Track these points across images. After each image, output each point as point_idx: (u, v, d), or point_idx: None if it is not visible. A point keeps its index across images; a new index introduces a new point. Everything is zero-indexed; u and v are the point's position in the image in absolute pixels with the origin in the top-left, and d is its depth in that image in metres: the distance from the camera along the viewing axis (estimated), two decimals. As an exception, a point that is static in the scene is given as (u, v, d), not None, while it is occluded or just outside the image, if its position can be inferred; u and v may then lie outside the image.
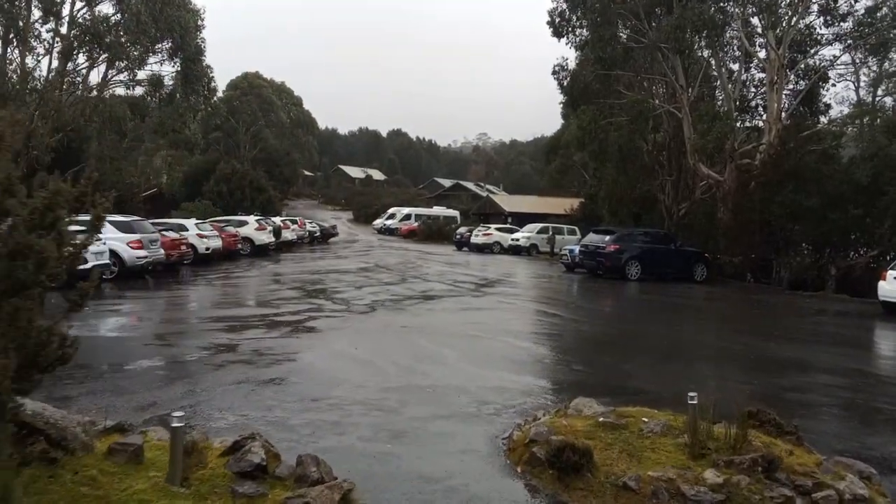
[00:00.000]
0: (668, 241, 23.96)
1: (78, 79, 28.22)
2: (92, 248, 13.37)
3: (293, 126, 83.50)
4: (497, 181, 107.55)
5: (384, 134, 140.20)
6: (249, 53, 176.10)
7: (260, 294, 15.52)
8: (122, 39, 24.61)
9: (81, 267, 12.52)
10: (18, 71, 23.81)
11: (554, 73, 28.16)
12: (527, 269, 27.57)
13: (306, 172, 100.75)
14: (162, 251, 20.13)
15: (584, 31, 25.60)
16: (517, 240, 37.36)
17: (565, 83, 28.27)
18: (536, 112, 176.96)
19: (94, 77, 29.21)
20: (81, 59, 26.04)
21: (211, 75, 31.71)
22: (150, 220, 24.29)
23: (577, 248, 25.44)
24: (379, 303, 13.93)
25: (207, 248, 24.43)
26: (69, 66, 25.47)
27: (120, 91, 28.20)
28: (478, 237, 38.90)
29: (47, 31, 25.18)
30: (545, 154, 67.76)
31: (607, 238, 23.11)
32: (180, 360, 8.21)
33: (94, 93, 28.06)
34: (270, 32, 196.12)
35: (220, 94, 69.39)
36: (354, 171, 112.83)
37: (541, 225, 38.32)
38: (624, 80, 29.67)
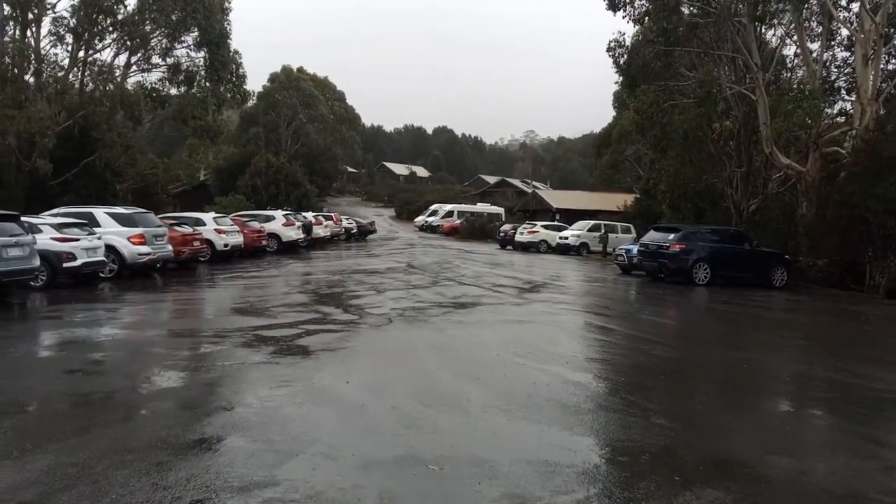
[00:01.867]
0: (741, 241, 20.80)
1: (102, 66, 26.64)
2: (82, 242, 11.37)
3: (336, 122, 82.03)
4: (544, 178, 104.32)
5: (430, 131, 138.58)
6: (296, 54, 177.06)
7: (264, 298, 13.26)
8: (137, 18, 22.81)
9: (69, 265, 10.36)
10: (31, 54, 22.21)
11: (609, 49, 25.13)
12: (577, 270, 24.77)
13: (350, 169, 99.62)
14: (169, 248, 18.14)
15: (644, 0, 22.58)
16: (566, 238, 34.50)
17: (621, 61, 25.23)
18: (585, 110, 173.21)
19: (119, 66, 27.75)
20: (97, 43, 24.49)
21: (239, 61, 29.86)
22: (165, 214, 22.54)
23: (634, 248, 22.54)
24: (398, 312, 11.47)
25: (226, 245, 22.46)
26: (82, 53, 23.99)
27: (138, 78, 26.70)
28: (523, 235, 36.18)
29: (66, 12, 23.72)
30: (595, 148, 64.64)
31: (671, 237, 20.15)
32: (91, 400, 5.89)
33: (117, 79, 26.46)
34: (320, 33, 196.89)
35: (259, 87, 68.88)
36: (399, 168, 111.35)
37: (592, 222, 35.35)
38: (686, 61, 26.52)
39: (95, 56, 25.67)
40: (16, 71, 20.49)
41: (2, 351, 7.89)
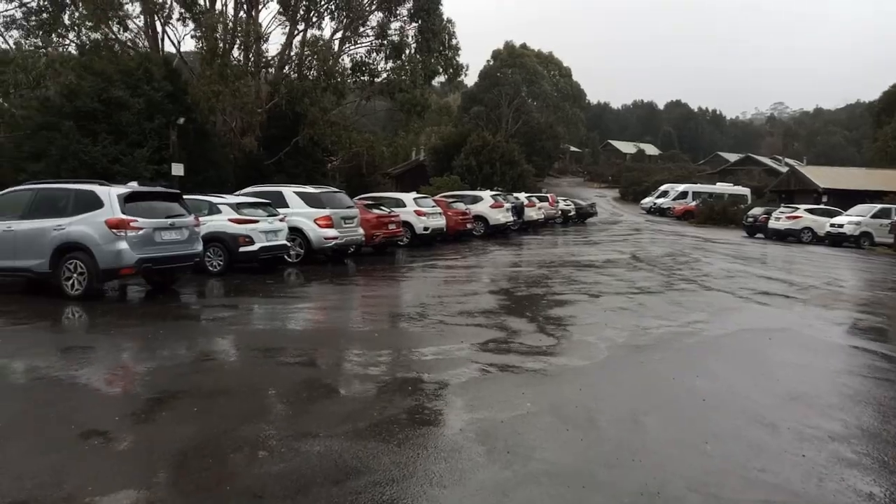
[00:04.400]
0: None
1: (320, 43, 26.23)
2: (261, 225, 9.54)
3: (559, 99, 78.43)
4: (798, 155, 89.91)
5: (661, 106, 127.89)
6: (521, 32, 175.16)
7: (444, 300, 10.44)
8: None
9: (245, 249, 8.31)
10: (249, 31, 22.02)
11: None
12: (864, 270, 18.57)
13: (573, 148, 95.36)
14: (361, 231, 16.34)
15: None
16: (839, 225, 27.29)
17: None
18: (847, 78, 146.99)
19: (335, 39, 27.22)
20: (315, 19, 24.00)
21: (452, 31, 27.68)
22: (364, 195, 21.11)
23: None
24: (616, 337, 7.82)
25: (426, 228, 20.40)
26: (301, 27, 23.56)
27: (349, 52, 25.88)
28: (779, 221, 29.55)
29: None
30: (874, 117, 53.24)
31: None
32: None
33: (333, 55, 25.81)
34: (544, 9, 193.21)
35: (481, 66, 67.47)
36: (625, 146, 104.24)
37: (878, 206, 27.57)
38: None
39: (313, 32, 25.26)
40: (223, 46, 20.26)
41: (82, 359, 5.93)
